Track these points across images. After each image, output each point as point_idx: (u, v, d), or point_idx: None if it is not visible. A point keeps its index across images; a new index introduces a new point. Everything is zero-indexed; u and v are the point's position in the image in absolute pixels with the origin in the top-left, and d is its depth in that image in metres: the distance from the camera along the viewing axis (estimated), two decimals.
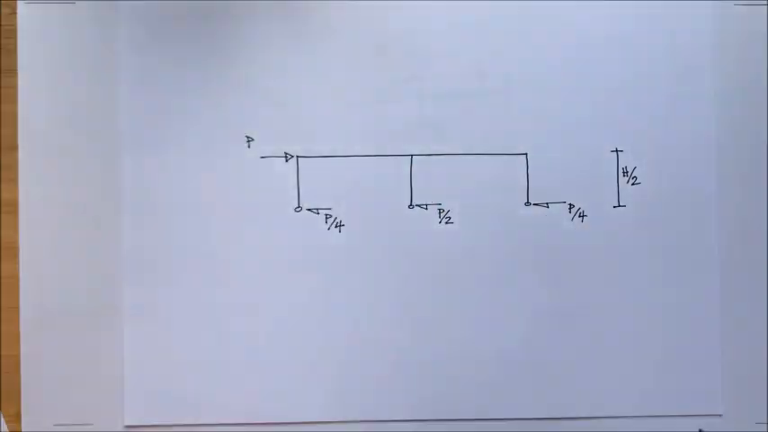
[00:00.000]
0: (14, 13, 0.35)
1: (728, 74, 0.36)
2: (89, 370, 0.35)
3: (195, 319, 0.35)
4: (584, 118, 0.36)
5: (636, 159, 0.36)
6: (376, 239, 0.35)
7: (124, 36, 0.35)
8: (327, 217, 0.36)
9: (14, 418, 0.35)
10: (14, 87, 0.35)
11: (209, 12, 0.35)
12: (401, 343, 0.35)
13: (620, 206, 0.36)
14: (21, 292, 0.35)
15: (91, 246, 0.35)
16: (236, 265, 0.35)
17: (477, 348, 0.35)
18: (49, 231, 0.35)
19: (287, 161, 0.36)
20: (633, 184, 0.36)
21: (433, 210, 0.36)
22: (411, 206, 0.36)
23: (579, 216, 0.36)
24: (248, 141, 0.36)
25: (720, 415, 0.35)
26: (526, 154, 0.36)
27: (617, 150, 0.36)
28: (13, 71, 0.35)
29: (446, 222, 0.36)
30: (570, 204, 0.36)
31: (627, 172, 0.36)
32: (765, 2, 0.36)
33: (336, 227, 0.36)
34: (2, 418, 0.34)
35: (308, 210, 0.36)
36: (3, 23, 0.35)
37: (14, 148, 0.35)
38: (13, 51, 0.35)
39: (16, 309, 0.35)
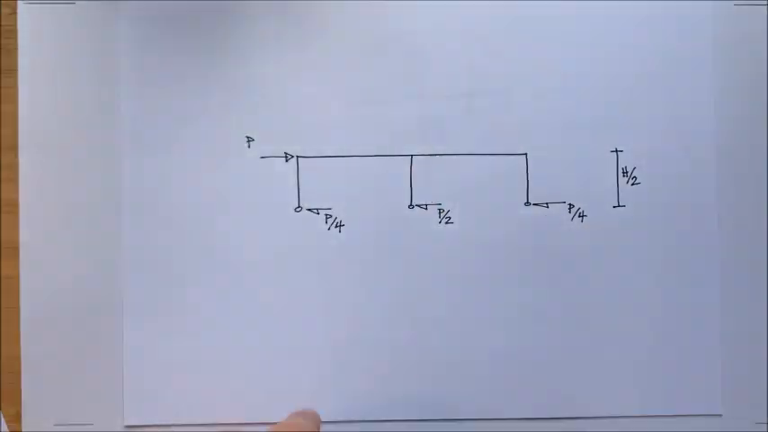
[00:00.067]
0: (14, 13, 0.35)
1: (728, 74, 0.35)
2: (89, 370, 0.35)
3: (195, 319, 0.35)
4: (583, 118, 0.36)
5: (636, 159, 0.36)
6: (376, 239, 0.35)
7: (124, 36, 0.35)
8: (327, 217, 0.36)
9: (14, 418, 0.34)
10: (14, 87, 0.35)
11: (209, 12, 0.35)
12: (401, 342, 0.35)
13: (619, 206, 0.36)
14: (21, 292, 0.34)
15: (91, 246, 0.35)
16: (236, 265, 0.35)
17: (477, 348, 0.35)
18: (49, 231, 0.35)
19: (287, 161, 0.36)
20: (633, 184, 0.36)
21: (432, 210, 0.36)
22: (411, 206, 0.36)
23: (579, 216, 0.36)
24: (248, 141, 0.36)
25: (720, 415, 0.35)
26: (526, 154, 0.36)
27: (617, 150, 0.36)
28: (13, 71, 0.35)
29: (446, 222, 0.36)
30: (570, 204, 0.36)
31: (627, 172, 0.36)
32: (765, 2, 0.36)
33: (336, 227, 0.35)
34: (2, 418, 0.34)
35: (308, 210, 0.36)
36: (3, 23, 0.35)
37: (14, 148, 0.35)
38: (13, 51, 0.35)
39: (16, 309, 0.34)
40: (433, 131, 0.35)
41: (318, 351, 0.35)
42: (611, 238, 0.35)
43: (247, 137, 0.35)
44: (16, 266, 0.34)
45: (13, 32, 0.35)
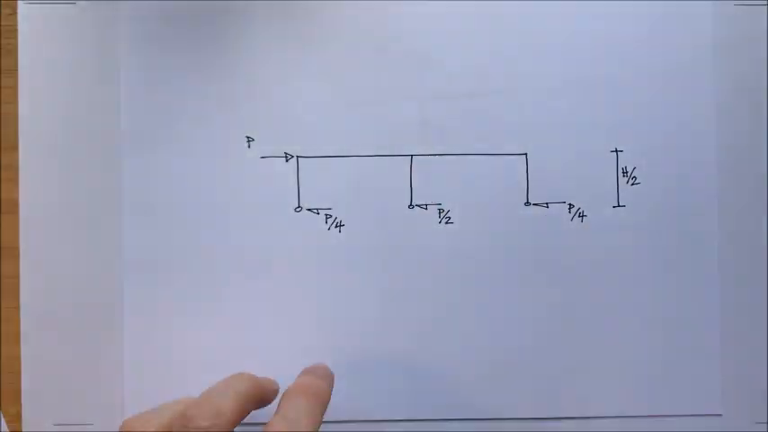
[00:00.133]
0: (14, 13, 0.35)
1: (728, 74, 0.35)
2: (89, 370, 0.35)
3: (195, 319, 0.35)
4: (584, 118, 0.36)
5: (636, 159, 0.36)
6: (376, 239, 0.35)
7: (125, 36, 0.35)
8: (327, 217, 0.36)
9: (14, 418, 0.34)
10: (14, 87, 0.35)
11: (209, 12, 0.35)
12: (400, 342, 0.35)
13: (619, 206, 0.36)
14: (21, 292, 0.34)
15: (91, 246, 0.35)
16: (237, 265, 0.35)
17: (477, 348, 0.35)
18: (49, 231, 0.35)
19: (287, 161, 0.36)
20: (633, 184, 0.36)
21: (432, 210, 0.36)
22: (411, 206, 0.36)
23: (579, 216, 0.36)
24: (248, 141, 0.36)
25: (720, 415, 0.35)
26: (526, 154, 0.36)
27: (617, 150, 0.36)
28: (13, 71, 0.35)
29: (446, 222, 0.36)
30: (570, 204, 0.36)
31: (626, 172, 0.36)
32: (765, 2, 0.36)
33: (336, 227, 0.35)
34: (2, 418, 0.34)
35: (308, 210, 0.36)
36: (3, 23, 0.35)
37: (14, 148, 0.35)
38: (13, 51, 0.35)
39: (16, 309, 0.34)
40: (433, 131, 0.35)
41: (318, 351, 0.35)
42: (611, 238, 0.35)
43: (247, 137, 0.35)
44: (16, 266, 0.34)
45: (13, 32, 0.35)
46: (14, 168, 0.35)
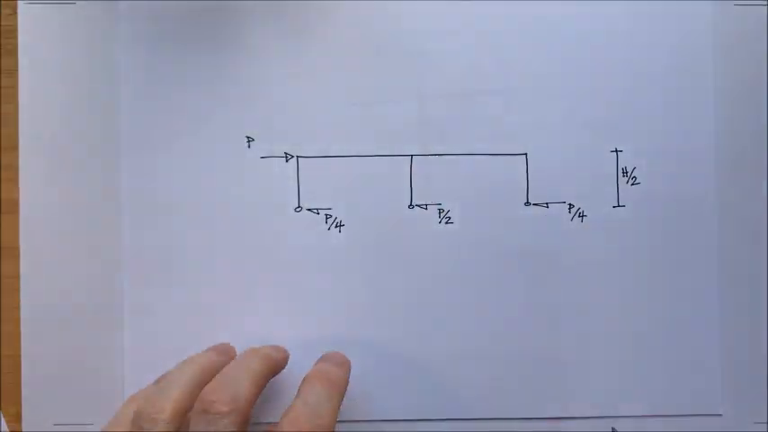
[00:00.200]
0: (14, 13, 0.35)
1: (728, 74, 0.35)
2: (89, 370, 0.35)
3: (195, 319, 0.35)
4: (583, 118, 0.36)
5: (636, 159, 0.36)
6: (376, 239, 0.35)
7: (125, 36, 0.35)
8: (327, 217, 0.36)
9: (14, 418, 0.34)
10: (14, 87, 0.35)
11: (210, 12, 0.35)
12: (400, 342, 0.35)
13: (619, 206, 0.36)
14: (21, 292, 0.34)
15: (91, 246, 0.35)
16: (237, 266, 0.35)
17: (476, 348, 0.35)
18: (49, 231, 0.35)
19: (287, 161, 0.36)
20: (633, 184, 0.36)
21: (432, 210, 0.36)
22: (411, 206, 0.36)
23: (579, 216, 0.36)
24: (248, 141, 0.36)
25: (720, 415, 0.35)
26: (526, 154, 0.36)
27: (617, 150, 0.36)
28: (13, 71, 0.35)
29: (446, 222, 0.36)
30: (570, 204, 0.36)
31: (627, 172, 0.36)
32: (765, 2, 0.36)
33: (336, 227, 0.35)
34: (2, 418, 0.34)
35: (308, 210, 0.36)
36: (3, 23, 0.35)
37: (14, 148, 0.35)
38: (13, 51, 0.35)
39: (16, 309, 0.34)
40: (432, 131, 0.35)
41: (318, 351, 0.35)
42: (611, 238, 0.35)
43: (247, 137, 0.35)
44: (16, 266, 0.34)
45: (13, 32, 0.35)
46: (14, 168, 0.35)
